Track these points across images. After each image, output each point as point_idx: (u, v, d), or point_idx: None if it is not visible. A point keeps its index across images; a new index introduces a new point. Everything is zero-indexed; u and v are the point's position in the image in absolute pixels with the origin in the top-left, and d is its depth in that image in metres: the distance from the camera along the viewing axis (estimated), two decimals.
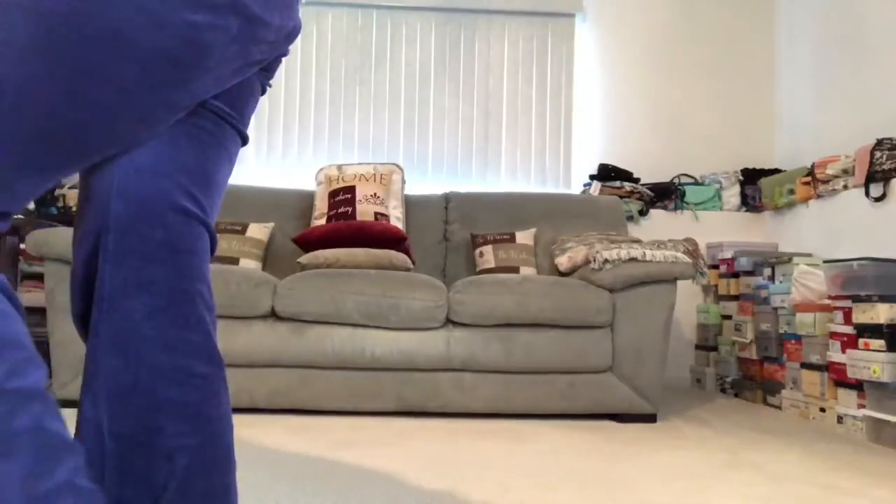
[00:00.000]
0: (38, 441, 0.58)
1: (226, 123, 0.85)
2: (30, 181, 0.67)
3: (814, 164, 3.42)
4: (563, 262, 2.99)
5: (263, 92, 0.92)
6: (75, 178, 3.72)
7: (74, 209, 3.57)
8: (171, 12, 0.66)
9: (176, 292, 0.79)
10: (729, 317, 3.48)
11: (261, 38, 0.77)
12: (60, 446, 0.60)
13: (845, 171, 3.20)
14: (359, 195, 3.15)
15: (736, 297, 3.48)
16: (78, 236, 0.81)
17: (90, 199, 0.79)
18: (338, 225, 2.92)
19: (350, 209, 3.11)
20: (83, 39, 0.63)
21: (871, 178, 3.00)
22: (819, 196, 3.43)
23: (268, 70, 0.90)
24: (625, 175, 3.97)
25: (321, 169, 3.41)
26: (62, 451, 0.60)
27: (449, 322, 2.61)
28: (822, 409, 2.68)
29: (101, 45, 0.64)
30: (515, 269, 3.06)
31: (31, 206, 3.48)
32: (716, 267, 3.69)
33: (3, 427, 0.56)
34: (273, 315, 2.58)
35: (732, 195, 3.99)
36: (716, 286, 3.70)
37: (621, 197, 3.77)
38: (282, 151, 4.04)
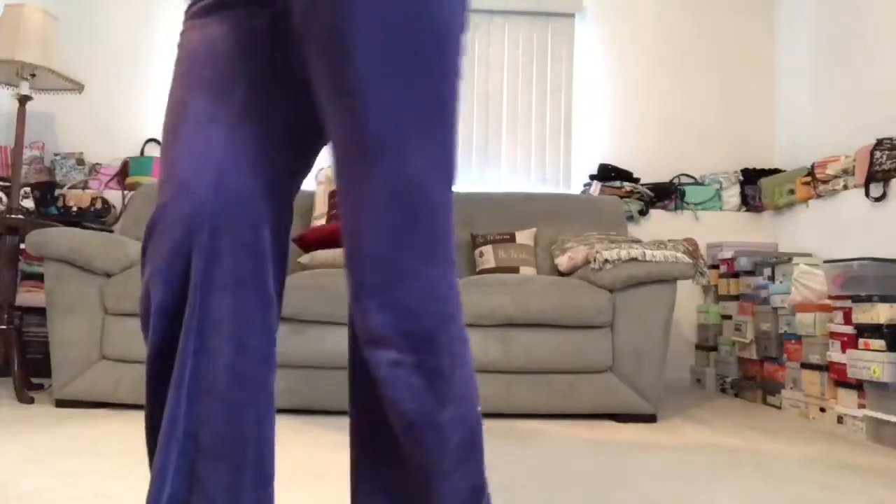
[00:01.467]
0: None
1: None
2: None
3: (814, 164, 3.42)
4: (563, 262, 2.99)
5: None
6: (74, 178, 3.71)
7: (74, 209, 3.56)
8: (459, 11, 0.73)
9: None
10: (729, 317, 3.48)
11: None
12: None
13: (845, 171, 3.21)
14: None
15: (736, 297, 3.48)
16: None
17: (181, 181, 0.79)
18: (338, 225, 2.92)
19: None
20: (434, 38, 0.70)
21: (871, 178, 3.00)
22: (819, 196, 3.43)
23: None
24: (625, 175, 3.97)
25: (321, 169, 3.40)
26: None
27: None
28: (822, 409, 2.68)
29: (445, 40, 0.71)
30: (515, 269, 3.05)
31: (31, 206, 3.47)
32: (716, 267, 3.69)
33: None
34: None
35: (732, 195, 3.99)
36: (716, 286, 3.70)
37: (621, 197, 3.77)
38: None
